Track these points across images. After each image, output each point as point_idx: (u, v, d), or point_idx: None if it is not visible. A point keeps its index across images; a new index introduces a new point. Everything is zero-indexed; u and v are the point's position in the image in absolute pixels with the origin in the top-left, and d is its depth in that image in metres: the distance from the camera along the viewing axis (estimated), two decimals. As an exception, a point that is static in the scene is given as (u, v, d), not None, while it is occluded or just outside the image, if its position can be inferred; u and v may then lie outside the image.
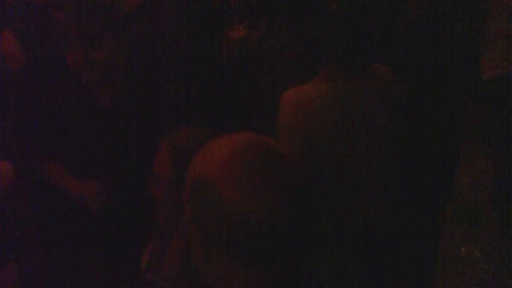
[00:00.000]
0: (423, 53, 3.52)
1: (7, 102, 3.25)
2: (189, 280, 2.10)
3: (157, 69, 3.07)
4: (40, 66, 3.19)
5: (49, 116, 2.82)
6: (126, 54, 2.75)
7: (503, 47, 3.81)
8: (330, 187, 2.65)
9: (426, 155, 3.16)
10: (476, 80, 3.71)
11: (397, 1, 3.90)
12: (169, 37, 3.21)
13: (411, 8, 3.78)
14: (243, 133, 1.46)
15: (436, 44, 3.93)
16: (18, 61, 3.34)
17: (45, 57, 3.17)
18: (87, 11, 2.61)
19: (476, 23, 4.12)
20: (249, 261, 1.36)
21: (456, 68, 3.83)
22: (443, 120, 3.38)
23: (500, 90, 3.35)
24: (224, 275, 1.39)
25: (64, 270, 2.95)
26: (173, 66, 3.12)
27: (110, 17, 2.65)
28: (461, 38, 3.91)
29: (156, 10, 3.32)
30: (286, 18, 3.23)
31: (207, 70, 3.26)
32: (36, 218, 3.20)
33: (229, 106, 3.14)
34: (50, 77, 3.01)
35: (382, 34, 3.21)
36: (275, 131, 2.62)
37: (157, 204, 2.31)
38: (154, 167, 2.26)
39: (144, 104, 2.78)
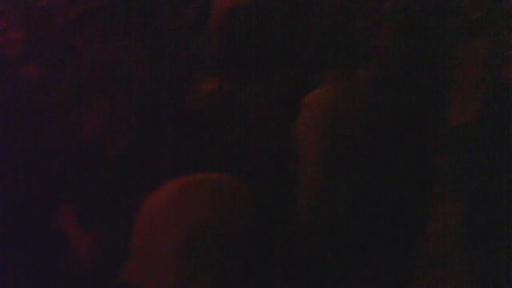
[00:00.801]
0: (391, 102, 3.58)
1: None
2: None
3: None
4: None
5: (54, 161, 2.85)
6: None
7: (471, 93, 3.87)
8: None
9: (395, 204, 3.31)
10: (445, 127, 3.76)
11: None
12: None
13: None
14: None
15: (404, 90, 3.98)
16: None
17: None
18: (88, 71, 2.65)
19: (444, 71, 4.19)
20: None
21: (424, 115, 3.87)
22: (412, 168, 3.43)
23: (469, 137, 3.39)
24: None
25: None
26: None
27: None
28: (429, 85, 3.98)
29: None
30: (258, 70, 3.28)
31: (177, 122, 3.28)
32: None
33: (200, 159, 3.16)
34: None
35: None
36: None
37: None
38: None
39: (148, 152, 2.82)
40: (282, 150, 3.32)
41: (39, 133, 3.22)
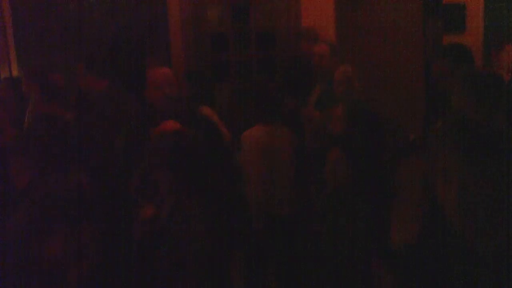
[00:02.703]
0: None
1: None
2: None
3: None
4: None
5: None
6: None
7: (411, 214, 3.93)
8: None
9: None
10: (387, 249, 3.79)
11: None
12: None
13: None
14: None
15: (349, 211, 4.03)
16: None
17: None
18: None
19: (385, 192, 4.27)
20: None
21: (368, 237, 3.91)
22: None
23: (410, 259, 3.42)
24: None
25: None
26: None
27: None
28: (371, 206, 4.03)
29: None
30: (193, 193, 3.34)
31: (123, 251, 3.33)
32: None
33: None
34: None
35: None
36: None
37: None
38: None
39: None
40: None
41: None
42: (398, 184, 4.28)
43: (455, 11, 7.86)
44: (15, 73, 7.47)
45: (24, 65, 7.34)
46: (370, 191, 4.17)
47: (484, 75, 4.27)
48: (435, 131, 3.11)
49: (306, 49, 7.33)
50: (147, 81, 4.78)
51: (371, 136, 4.51)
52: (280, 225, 5.09)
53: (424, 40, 8.85)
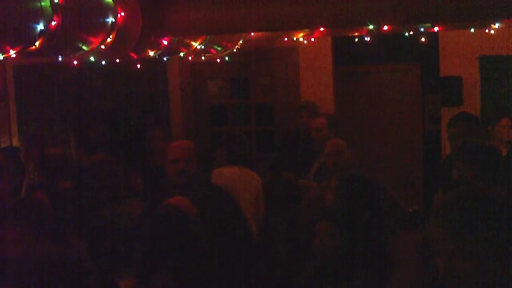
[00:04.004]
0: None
1: None
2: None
3: None
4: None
5: None
6: None
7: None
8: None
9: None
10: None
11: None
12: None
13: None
14: None
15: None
16: None
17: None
18: None
19: (382, 262, 4.23)
20: None
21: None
22: None
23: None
24: None
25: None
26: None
27: None
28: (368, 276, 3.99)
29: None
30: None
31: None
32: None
33: None
34: None
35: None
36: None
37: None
38: None
39: None
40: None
41: None
42: (395, 257, 4.23)
43: (452, 85, 7.95)
44: (15, 143, 7.51)
45: (24, 135, 7.37)
46: (362, 264, 4.11)
47: (485, 148, 4.32)
48: (438, 202, 3.11)
49: (306, 122, 7.39)
50: (166, 153, 4.81)
51: (363, 208, 4.49)
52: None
53: (423, 113, 8.93)
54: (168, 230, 3.48)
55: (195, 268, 3.44)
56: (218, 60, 8.07)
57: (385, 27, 5.65)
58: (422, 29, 6.49)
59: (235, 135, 6.23)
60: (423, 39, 6.95)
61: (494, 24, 6.33)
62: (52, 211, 3.90)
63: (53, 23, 3.89)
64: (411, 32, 6.78)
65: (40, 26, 3.78)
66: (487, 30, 7.07)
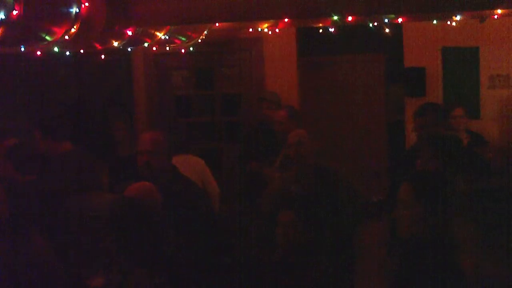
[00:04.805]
0: None
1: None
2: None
3: None
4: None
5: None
6: None
7: (375, 277, 3.94)
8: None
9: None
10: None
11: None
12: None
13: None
14: None
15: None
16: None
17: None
18: None
19: (347, 253, 4.27)
20: None
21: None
22: None
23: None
24: None
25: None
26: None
27: None
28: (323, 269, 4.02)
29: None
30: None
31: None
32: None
33: None
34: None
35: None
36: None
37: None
38: None
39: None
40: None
41: None
42: (360, 247, 4.28)
43: (416, 75, 8.02)
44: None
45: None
46: (326, 254, 4.14)
47: (448, 138, 4.40)
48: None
49: (268, 114, 7.42)
50: (137, 144, 4.79)
51: (324, 198, 4.52)
52: None
53: (386, 103, 9.00)
54: (133, 217, 3.47)
55: (167, 261, 3.44)
56: (183, 51, 8.03)
57: (349, 18, 5.67)
58: (386, 20, 6.53)
59: (174, 126, 6.66)
60: (387, 30, 7.00)
61: (456, 16, 6.40)
62: (10, 206, 3.84)
63: (15, 12, 3.82)
64: (376, 23, 6.82)
65: (1, 16, 3.72)
66: (449, 22, 7.14)
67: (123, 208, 3.62)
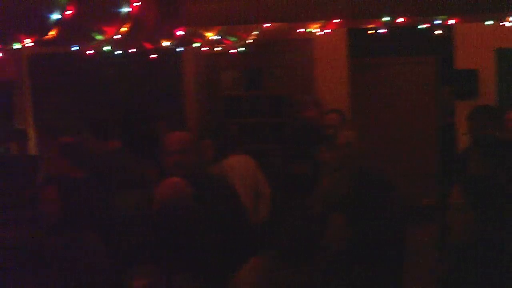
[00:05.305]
0: None
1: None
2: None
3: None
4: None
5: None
6: None
7: (426, 279, 3.87)
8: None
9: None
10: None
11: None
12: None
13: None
14: None
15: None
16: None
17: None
18: None
19: (398, 255, 4.21)
20: None
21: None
22: None
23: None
24: None
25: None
26: None
27: None
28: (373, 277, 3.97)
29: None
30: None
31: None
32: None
33: None
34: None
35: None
36: None
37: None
38: None
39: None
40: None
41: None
42: (410, 251, 4.21)
43: (468, 77, 7.89)
44: (31, 132, 7.53)
45: (39, 126, 7.39)
46: (375, 258, 4.08)
47: (501, 142, 4.31)
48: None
49: (314, 116, 7.38)
50: (163, 145, 4.80)
51: (374, 200, 4.46)
52: None
53: (437, 106, 8.89)
54: (167, 210, 3.48)
55: (205, 263, 3.44)
56: (233, 51, 8.05)
57: (400, 19, 5.61)
58: (437, 22, 6.44)
59: (223, 128, 6.47)
60: (438, 32, 6.90)
61: (510, 17, 6.27)
62: (62, 203, 3.89)
63: (68, 12, 3.88)
64: (427, 25, 6.73)
65: (55, 15, 3.77)
66: (502, 23, 7.00)
67: (155, 206, 3.65)
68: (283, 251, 3.68)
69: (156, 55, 6.87)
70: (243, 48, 7.87)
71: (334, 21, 6.36)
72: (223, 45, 7.35)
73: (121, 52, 6.16)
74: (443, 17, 6.13)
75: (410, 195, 5.16)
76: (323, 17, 6.13)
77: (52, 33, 3.94)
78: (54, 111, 7.78)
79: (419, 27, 6.82)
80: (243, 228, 4.42)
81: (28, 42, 4.00)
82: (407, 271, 4.08)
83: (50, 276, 3.48)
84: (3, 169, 5.54)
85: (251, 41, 7.40)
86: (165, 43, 5.61)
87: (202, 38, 6.20)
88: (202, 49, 7.77)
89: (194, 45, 6.49)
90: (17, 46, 4.08)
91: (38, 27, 3.86)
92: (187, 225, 3.54)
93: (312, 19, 6.50)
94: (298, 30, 7.66)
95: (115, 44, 5.11)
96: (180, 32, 5.50)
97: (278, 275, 3.57)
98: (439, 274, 3.41)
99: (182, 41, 5.79)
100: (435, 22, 6.46)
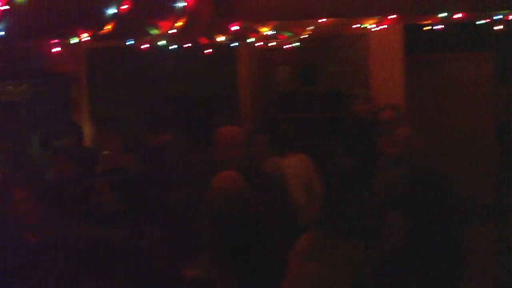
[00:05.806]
0: None
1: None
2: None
3: None
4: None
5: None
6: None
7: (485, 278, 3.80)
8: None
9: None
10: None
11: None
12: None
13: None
14: None
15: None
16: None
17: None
18: None
19: (455, 253, 4.14)
20: None
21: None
22: None
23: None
24: None
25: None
26: None
27: None
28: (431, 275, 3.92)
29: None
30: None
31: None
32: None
33: None
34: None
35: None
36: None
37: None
38: None
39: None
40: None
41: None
42: (467, 250, 4.13)
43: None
44: (87, 125, 7.65)
45: (96, 118, 7.49)
46: (432, 257, 4.02)
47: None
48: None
49: (365, 111, 7.31)
50: (215, 139, 4.83)
51: (431, 199, 4.38)
52: None
53: (495, 103, 8.70)
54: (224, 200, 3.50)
55: (257, 261, 3.44)
56: (288, 46, 8.03)
57: (458, 15, 5.51)
58: (497, 17, 6.31)
59: (276, 123, 6.47)
60: (497, 27, 6.75)
61: None
62: (114, 196, 3.94)
63: (124, 6, 3.92)
64: (486, 20, 6.60)
65: (111, 10, 3.82)
66: None
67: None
68: (341, 228, 3.64)
69: (210, 50, 6.89)
70: (298, 43, 7.83)
71: (390, 17, 6.30)
72: (278, 40, 7.33)
73: (176, 46, 6.20)
74: (504, 11, 6.00)
75: (467, 194, 5.05)
76: (379, 13, 6.07)
77: (108, 27, 3.99)
78: (110, 104, 7.88)
79: (477, 22, 6.69)
80: (290, 227, 4.41)
81: (85, 37, 4.06)
82: (464, 272, 4.00)
83: (113, 267, 3.53)
84: (61, 161, 5.62)
85: (306, 36, 7.35)
86: (220, 38, 5.62)
87: (256, 33, 6.20)
88: (257, 44, 7.77)
89: (249, 40, 6.49)
90: (74, 40, 4.14)
91: (95, 21, 3.92)
92: (243, 218, 3.54)
93: (368, 15, 6.44)
94: (353, 26, 7.60)
95: (170, 38, 5.14)
96: (234, 27, 5.51)
97: (336, 247, 3.53)
98: (497, 276, 3.34)
99: (236, 36, 5.80)
100: (494, 18, 6.33)
